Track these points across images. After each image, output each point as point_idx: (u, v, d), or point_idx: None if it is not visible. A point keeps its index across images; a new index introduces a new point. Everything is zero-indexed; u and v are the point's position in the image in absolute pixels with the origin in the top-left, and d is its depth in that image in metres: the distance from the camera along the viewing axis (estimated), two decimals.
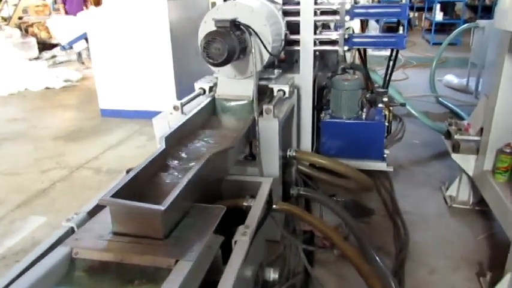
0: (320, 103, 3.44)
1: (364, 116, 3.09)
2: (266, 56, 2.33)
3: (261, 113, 2.18)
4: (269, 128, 2.16)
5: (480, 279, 1.99)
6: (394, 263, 2.20)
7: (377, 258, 2.09)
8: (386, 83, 3.44)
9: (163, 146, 1.80)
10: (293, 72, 2.98)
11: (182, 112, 2.26)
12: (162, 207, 1.34)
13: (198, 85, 2.60)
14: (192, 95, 2.49)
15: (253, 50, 2.10)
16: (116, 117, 4.75)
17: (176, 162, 1.86)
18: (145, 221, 1.38)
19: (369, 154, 3.13)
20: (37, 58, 9.17)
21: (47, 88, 6.74)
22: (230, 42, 2.03)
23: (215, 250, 1.51)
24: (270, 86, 2.49)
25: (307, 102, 3.01)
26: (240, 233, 1.50)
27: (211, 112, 2.48)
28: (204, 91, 2.58)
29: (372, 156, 3.13)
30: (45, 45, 9.99)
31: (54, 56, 9.26)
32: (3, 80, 6.71)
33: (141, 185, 1.65)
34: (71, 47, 7.63)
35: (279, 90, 2.48)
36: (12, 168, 3.55)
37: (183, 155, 1.94)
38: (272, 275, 1.93)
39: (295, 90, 2.75)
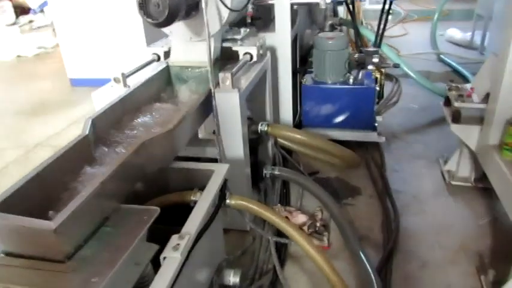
0: (305, 65, 3.04)
1: (351, 80, 2.70)
2: (226, 13, 1.91)
3: (218, 84, 1.79)
4: (228, 101, 1.79)
5: (481, 277, 1.68)
6: (380, 255, 1.88)
7: (360, 252, 1.78)
8: (378, 40, 3.01)
9: (86, 133, 1.44)
10: (269, 31, 2.57)
11: (125, 85, 1.87)
12: (52, 225, 1.00)
13: (150, 50, 2.20)
14: (141, 63, 2.10)
15: (203, 5, 1.69)
16: (86, 87, 4.35)
17: (106, 150, 1.51)
18: (38, 241, 1.05)
19: (357, 123, 2.76)
20: (14, 24, 8.60)
21: (19, 56, 6.29)
22: None
23: (143, 267, 1.19)
24: (235, 48, 2.09)
25: (285, 65, 2.62)
26: (171, 247, 1.16)
27: (165, 82, 2.10)
28: (158, 57, 2.19)
29: (361, 126, 2.77)
30: (23, 9, 9.38)
31: (31, 21, 8.67)
32: None
33: (55, 184, 1.31)
34: (42, 11, 7.09)
35: (245, 54, 2.08)
36: None
37: (117, 140, 1.58)
38: (232, 278, 1.62)
39: (268, 53, 2.35)
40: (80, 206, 1.08)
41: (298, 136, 2.14)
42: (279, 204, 2.19)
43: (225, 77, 1.75)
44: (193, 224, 1.26)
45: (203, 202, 1.36)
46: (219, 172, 1.51)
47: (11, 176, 2.79)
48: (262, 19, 2.83)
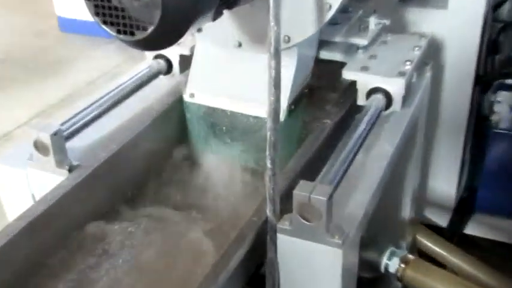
0: (490, 72, 2.04)
1: None
2: None
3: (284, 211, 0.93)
4: (311, 261, 0.94)
5: None
6: None
7: None
8: None
9: None
10: (430, 5, 1.64)
11: (60, 163, 1.07)
12: None
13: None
14: (126, 83, 1.29)
15: None
16: (83, 35, 3.73)
17: None
18: None
19: None
20: None
21: None
22: None
23: None
24: (348, 75, 1.22)
25: (461, 83, 1.71)
26: None
27: (176, 138, 1.31)
28: (169, 66, 1.39)
29: None
30: None
31: None
32: None
33: None
34: None
35: (371, 92, 1.20)
36: None
37: None
38: None
39: (429, 67, 1.44)
40: None
41: None
42: None
43: (308, 207, 0.87)
44: None
45: None
46: None
47: None
48: None
